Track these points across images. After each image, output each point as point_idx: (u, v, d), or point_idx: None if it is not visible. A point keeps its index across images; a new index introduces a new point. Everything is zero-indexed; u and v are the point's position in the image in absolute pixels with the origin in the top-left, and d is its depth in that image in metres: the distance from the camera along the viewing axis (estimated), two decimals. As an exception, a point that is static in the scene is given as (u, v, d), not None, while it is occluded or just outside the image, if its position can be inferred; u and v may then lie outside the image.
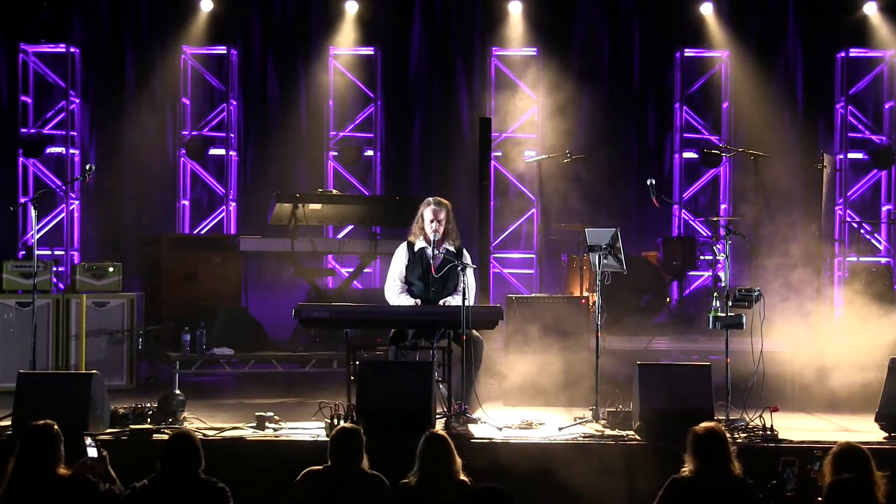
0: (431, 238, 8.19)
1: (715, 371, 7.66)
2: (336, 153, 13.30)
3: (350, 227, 12.67)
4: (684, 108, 13.28)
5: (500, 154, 13.11)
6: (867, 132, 13.21)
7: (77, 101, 12.95)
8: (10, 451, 5.61)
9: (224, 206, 13.14)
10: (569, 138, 12.52)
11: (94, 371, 7.69)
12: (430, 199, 8.34)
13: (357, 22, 13.06)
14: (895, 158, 13.11)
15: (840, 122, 13.13)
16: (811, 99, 13.26)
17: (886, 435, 7.52)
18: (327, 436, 6.43)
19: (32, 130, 12.93)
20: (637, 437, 7.35)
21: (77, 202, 12.95)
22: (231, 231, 13.01)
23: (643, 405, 7.40)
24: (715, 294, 8.13)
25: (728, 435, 6.01)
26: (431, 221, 8.20)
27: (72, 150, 12.89)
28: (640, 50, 13.34)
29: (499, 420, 7.78)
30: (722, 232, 8.34)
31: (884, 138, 13.15)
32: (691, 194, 13.41)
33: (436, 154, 13.26)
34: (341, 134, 13.32)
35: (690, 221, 13.22)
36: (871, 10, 12.83)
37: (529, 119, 13.21)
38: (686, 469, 5.65)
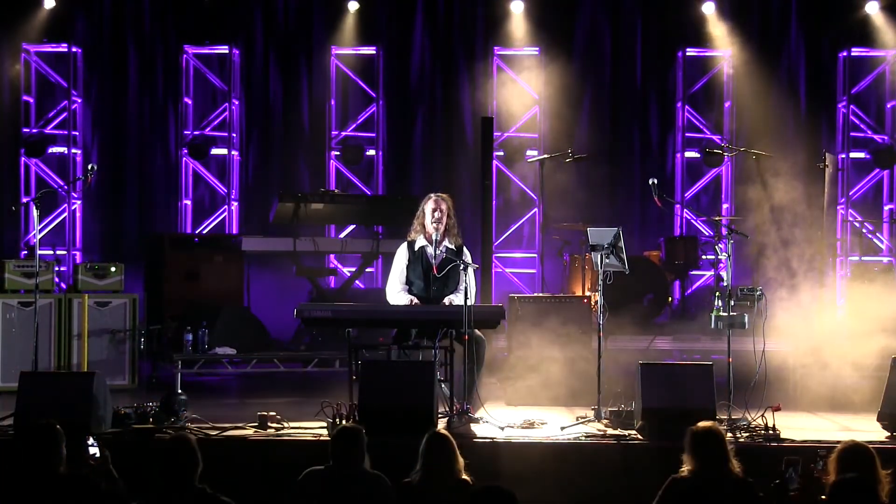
0: (432, 232, 8.21)
1: (717, 370, 7.66)
2: (338, 153, 13.30)
3: (352, 227, 12.69)
4: (686, 107, 13.28)
5: (502, 154, 13.12)
6: (869, 131, 13.21)
7: (79, 100, 12.96)
8: (12, 451, 5.61)
9: (226, 206, 13.14)
10: (571, 138, 12.53)
11: (96, 371, 7.70)
12: (432, 194, 8.39)
13: (359, 21, 13.06)
14: (897, 158, 13.12)
15: (842, 122, 13.12)
16: (813, 98, 13.26)
17: (889, 434, 7.52)
18: (329, 435, 6.42)
19: (34, 130, 12.93)
20: (639, 436, 7.35)
21: (79, 202, 12.96)
22: (233, 231, 13.01)
23: (645, 405, 7.39)
24: (717, 293, 8.13)
25: (726, 434, 6.01)
26: (434, 211, 8.23)
27: (74, 150, 12.90)
28: (641, 49, 13.35)
29: (501, 419, 7.77)
30: (724, 231, 8.33)
31: (886, 138, 13.14)
32: (693, 194, 13.41)
33: (438, 153, 13.26)
34: (343, 133, 13.32)
35: (692, 221, 13.22)
36: (873, 9, 12.82)
37: (531, 118, 13.21)
38: (685, 469, 5.64)
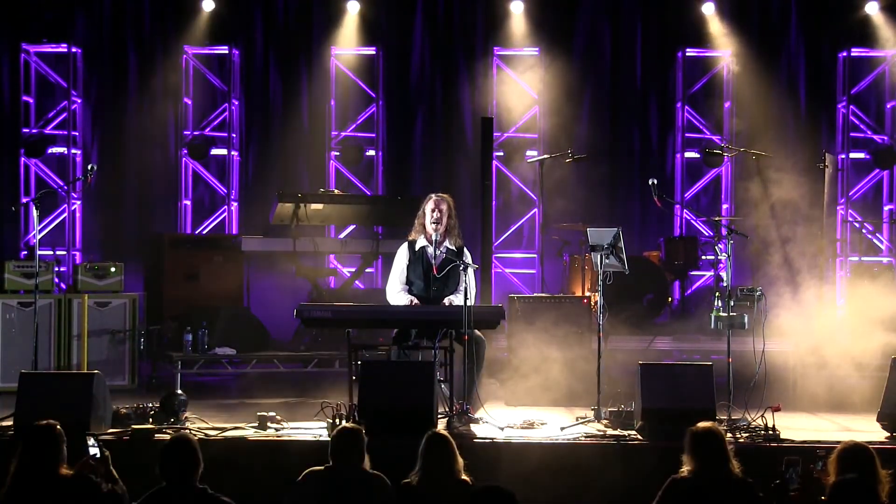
0: (432, 232, 8.21)
1: (717, 371, 7.66)
2: (338, 153, 13.29)
3: (352, 227, 12.67)
4: (686, 107, 13.27)
5: (501, 154, 13.11)
6: (869, 132, 13.20)
7: (79, 101, 12.94)
8: (13, 451, 5.62)
9: (226, 206, 13.14)
10: (570, 138, 12.52)
11: (96, 371, 7.70)
12: (433, 194, 8.40)
13: (359, 22, 13.05)
14: (897, 158, 13.12)
15: (842, 122, 13.12)
16: (813, 98, 13.25)
17: (889, 434, 7.52)
18: (329, 436, 6.42)
19: (34, 130, 12.92)
20: (639, 436, 7.36)
21: (79, 202, 12.94)
22: (233, 231, 13.01)
23: (645, 405, 7.40)
24: (717, 294, 8.14)
25: (726, 434, 6.01)
26: (433, 211, 8.25)
27: (73, 150, 12.88)
28: (641, 49, 13.33)
29: (500, 420, 7.79)
30: (724, 231, 8.34)
31: (885, 138, 13.14)
32: (693, 194, 13.40)
33: (437, 154, 13.25)
34: (343, 134, 13.31)
35: (692, 221, 13.21)
36: (873, 9, 12.82)
37: (531, 119, 13.20)
38: (685, 469, 5.65)
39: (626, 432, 7.45)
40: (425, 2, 13.27)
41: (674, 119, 13.34)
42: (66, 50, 12.75)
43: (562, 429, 7.63)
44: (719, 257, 10.35)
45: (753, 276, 11.15)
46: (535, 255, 13.02)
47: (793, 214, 11.15)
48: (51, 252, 11.69)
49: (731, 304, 7.93)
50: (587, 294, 10.29)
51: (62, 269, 12.15)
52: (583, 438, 7.39)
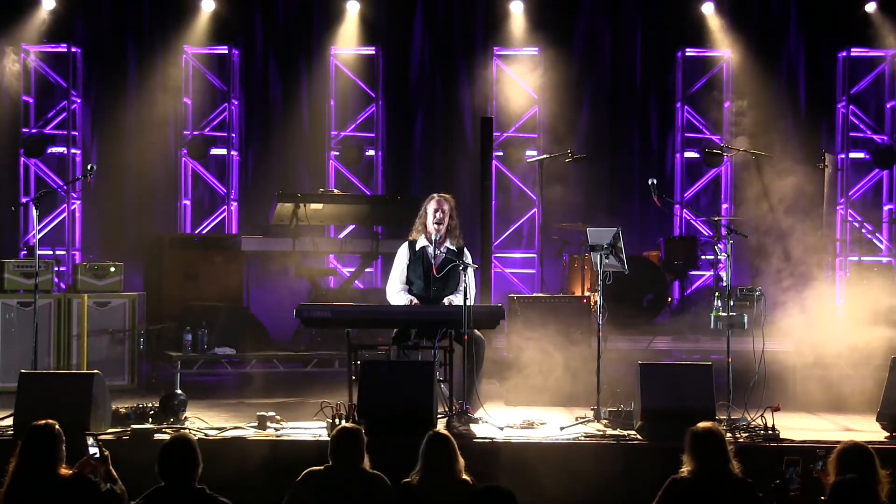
0: (433, 232, 8.21)
1: (717, 370, 7.66)
2: (337, 153, 13.30)
3: (351, 227, 12.68)
4: (686, 107, 13.28)
5: (501, 154, 13.12)
6: (868, 132, 13.21)
7: (78, 100, 12.95)
8: (12, 451, 5.61)
9: (225, 206, 13.14)
10: (570, 138, 12.53)
11: (96, 371, 7.69)
12: (435, 194, 8.39)
13: (358, 21, 13.06)
14: (896, 158, 13.13)
15: (841, 122, 13.13)
16: (813, 98, 13.26)
17: (888, 434, 7.52)
18: (329, 436, 6.42)
19: (34, 130, 12.93)
20: (638, 436, 7.36)
21: (78, 202, 12.95)
22: (232, 231, 13.01)
23: (645, 405, 7.40)
24: (717, 294, 8.13)
25: (727, 434, 6.00)
26: (436, 212, 8.23)
27: (73, 150, 12.89)
28: (641, 49, 13.35)
29: (500, 419, 7.78)
30: (723, 231, 8.33)
31: (885, 138, 13.15)
32: (692, 194, 13.41)
33: (437, 154, 13.26)
34: (343, 133, 13.32)
35: (692, 221, 13.22)
36: (871, 9, 12.81)
37: (531, 118, 13.21)
38: (685, 469, 5.64)
39: (625, 432, 7.45)
40: (425, 2, 13.27)
41: (674, 119, 13.35)
42: (65, 50, 12.76)
43: (561, 429, 7.63)
44: (719, 257, 10.34)
45: (752, 275, 11.14)
46: (534, 255, 13.02)
47: (792, 214, 11.16)
48: (50, 252, 11.68)
49: (731, 304, 7.93)
50: (587, 294, 10.29)
51: (62, 268, 12.15)
52: (582, 438, 7.38)
